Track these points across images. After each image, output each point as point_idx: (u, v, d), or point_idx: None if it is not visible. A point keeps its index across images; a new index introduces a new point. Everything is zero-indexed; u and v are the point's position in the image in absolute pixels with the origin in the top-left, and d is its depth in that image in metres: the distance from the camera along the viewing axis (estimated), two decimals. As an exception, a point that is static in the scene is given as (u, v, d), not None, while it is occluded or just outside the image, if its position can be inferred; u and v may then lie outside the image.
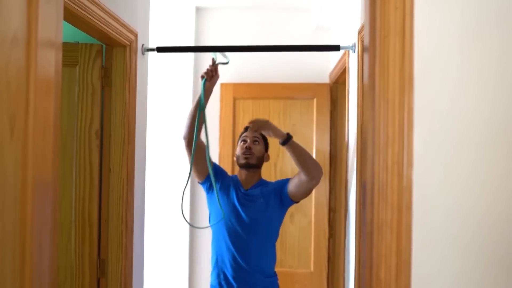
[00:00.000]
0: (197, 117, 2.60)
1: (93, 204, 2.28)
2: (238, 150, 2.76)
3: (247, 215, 2.61)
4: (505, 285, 1.12)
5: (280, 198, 2.65)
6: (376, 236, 1.12)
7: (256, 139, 2.74)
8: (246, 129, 2.82)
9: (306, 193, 2.63)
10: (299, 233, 3.73)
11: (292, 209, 3.66)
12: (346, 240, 2.87)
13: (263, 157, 2.76)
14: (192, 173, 2.71)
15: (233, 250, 2.60)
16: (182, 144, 3.80)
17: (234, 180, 2.75)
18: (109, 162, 2.33)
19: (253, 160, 2.70)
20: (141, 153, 2.56)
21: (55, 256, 1.11)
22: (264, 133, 2.63)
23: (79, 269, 2.27)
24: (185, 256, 3.82)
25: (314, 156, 3.71)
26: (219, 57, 2.64)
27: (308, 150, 3.67)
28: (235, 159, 2.79)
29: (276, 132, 2.58)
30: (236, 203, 2.64)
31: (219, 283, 2.64)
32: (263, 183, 2.74)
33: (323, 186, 3.69)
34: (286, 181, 2.68)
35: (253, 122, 2.61)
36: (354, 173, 2.54)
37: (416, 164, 1.11)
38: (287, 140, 2.54)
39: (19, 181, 0.96)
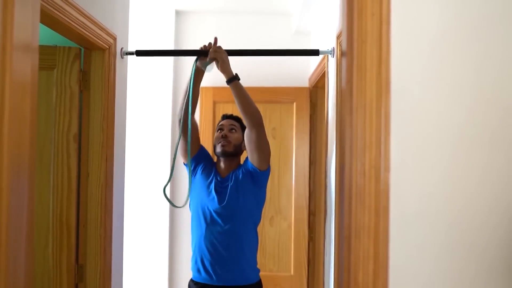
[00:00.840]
0: (186, 97, 2.58)
1: (71, 209, 2.26)
2: (214, 139, 2.75)
3: (222, 201, 2.60)
4: (482, 286, 1.13)
5: (249, 172, 2.63)
6: (354, 239, 1.13)
7: (233, 127, 2.73)
8: (223, 117, 2.81)
9: (258, 149, 2.56)
10: (279, 236, 3.73)
11: (272, 212, 3.69)
12: (326, 243, 2.88)
13: (241, 145, 2.73)
14: (180, 152, 2.70)
15: (211, 237, 2.58)
16: (162, 145, 3.81)
17: (215, 167, 2.75)
18: (88, 166, 2.31)
19: (230, 148, 2.68)
20: (120, 156, 2.54)
21: (32, 262, 1.09)
22: (216, 63, 2.55)
23: (57, 275, 2.25)
24: (165, 259, 3.80)
25: (293, 161, 3.72)
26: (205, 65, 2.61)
27: (288, 154, 3.73)
28: (212, 148, 2.78)
29: (226, 67, 2.52)
30: (213, 190, 2.63)
31: (197, 270, 2.62)
32: (238, 167, 2.72)
33: (302, 189, 3.71)
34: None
35: (216, 43, 2.56)
36: (333, 176, 2.56)
37: (393, 169, 1.12)
38: (232, 79, 2.51)
39: (-6, 187, 0.94)
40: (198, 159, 2.71)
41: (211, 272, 2.57)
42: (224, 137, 2.69)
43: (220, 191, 2.63)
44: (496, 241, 1.13)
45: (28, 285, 1.06)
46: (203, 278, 2.60)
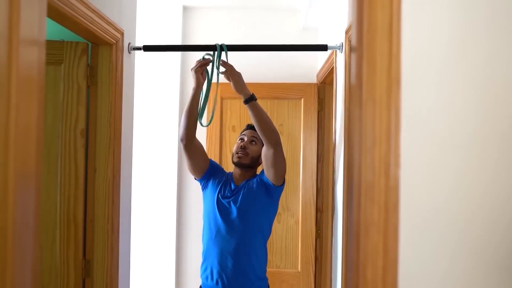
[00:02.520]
0: (188, 114, 2.60)
1: (79, 204, 2.26)
2: (234, 147, 2.77)
3: (233, 208, 2.61)
4: (493, 284, 1.12)
5: (264, 184, 2.64)
6: (363, 236, 1.11)
7: (254, 139, 2.74)
8: (247, 127, 2.82)
9: (274, 167, 2.58)
10: (286, 233, 3.72)
11: (279, 209, 3.67)
12: (333, 240, 2.87)
13: (259, 158, 2.74)
14: (189, 170, 2.78)
15: (220, 246, 2.60)
16: (169, 142, 3.81)
17: (229, 177, 2.76)
18: (95, 162, 2.31)
19: (246, 160, 2.70)
20: (127, 152, 2.54)
21: (38, 257, 1.09)
22: (231, 83, 2.58)
23: (64, 270, 2.25)
24: (172, 255, 3.81)
25: (301, 157, 3.71)
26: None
27: (295, 151, 3.71)
28: (231, 155, 2.80)
29: (241, 87, 2.55)
30: (224, 198, 2.64)
31: (206, 277, 2.65)
32: (254, 176, 2.73)
33: (310, 186, 3.70)
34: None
35: (229, 65, 2.57)
36: (341, 173, 2.54)
37: (403, 164, 1.11)
38: (250, 99, 2.52)
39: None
40: (209, 175, 2.75)
41: (219, 280, 2.59)
42: (243, 148, 2.70)
43: (232, 198, 2.64)
44: (507, 237, 1.11)
45: (35, 280, 1.06)
46: (210, 286, 2.63)
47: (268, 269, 2.74)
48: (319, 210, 3.71)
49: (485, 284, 1.12)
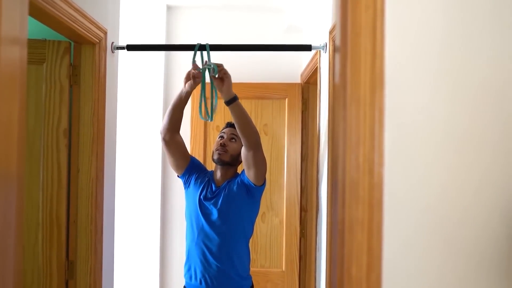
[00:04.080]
0: (170, 115, 2.59)
1: (61, 204, 2.24)
2: (214, 145, 2.75)
3: (214, 210, 2.61)
4: (475, 281, 1.13)
5: (245, 185, 2.63)
6: (347, 234, 1.12)
7: (234, 137, 2.72)
8: (226, 125, 2.81)
9: (254, 167, 2.56)
10: (270, 232, 3.73)
11: (263, 208, 3.68)
12: (318, 239, 2.88)
13: (239, 156, 2.72)
14: (170, 166, 2.79)
15: (202, 246, 2.60)
16: (153, 142, 3.78)
17: (210, 177, 2.75)
18: (78, 162, 2.29)
19: (226, 158, 2.68)
20: (111, 152, 2.52)
21: (21, 259, 1.08)
22: (217, 84, 2.51)
23: (47, 272, 2.23)
24: (156, 256, 3.79)
25: (285, 157, 3.72)
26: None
27: (280, 150, 3.72)
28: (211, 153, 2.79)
29: (230, 89, 2.51)
30: (206, 200, 2.63)
31: (190, 277, 2.65)
32: (235, 177, 2.72)
33: (294, 185, 3.71)
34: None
35: (224, 70, 2.53)
36: (325, 172, 2.55)
37: (387, 163, 1.12)
38: (232, 100, 2.49)
39: (-18, 181, 0.93)
40: (189, 171, 2.74)
41: (202, 280, 2.59)
42: (223, 145, 2.69)
43: (213, 200, 2.63)
44: (487, 236, 1.13)
45: (18, 282, 1.04)
46: (194, 285, 2.62)
47: (252, 269, 2.74)
48: (303, 209, 3.72)
49: (467, 281, 1.14)
